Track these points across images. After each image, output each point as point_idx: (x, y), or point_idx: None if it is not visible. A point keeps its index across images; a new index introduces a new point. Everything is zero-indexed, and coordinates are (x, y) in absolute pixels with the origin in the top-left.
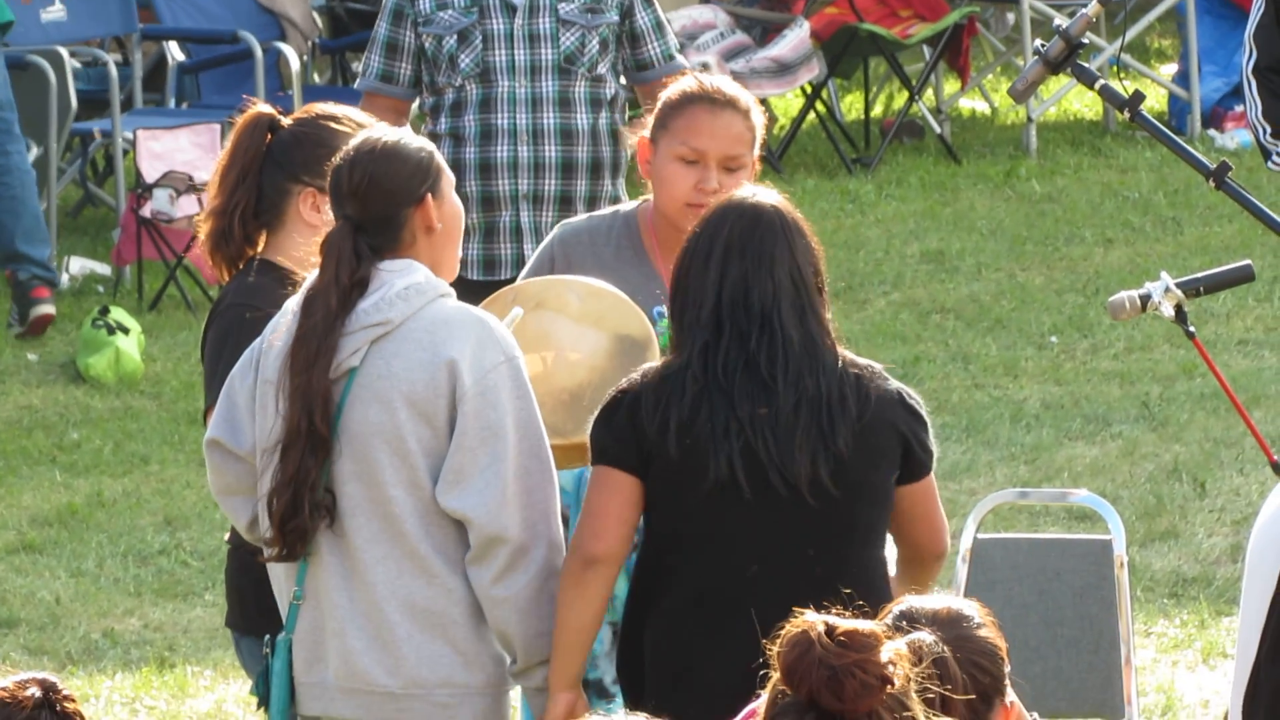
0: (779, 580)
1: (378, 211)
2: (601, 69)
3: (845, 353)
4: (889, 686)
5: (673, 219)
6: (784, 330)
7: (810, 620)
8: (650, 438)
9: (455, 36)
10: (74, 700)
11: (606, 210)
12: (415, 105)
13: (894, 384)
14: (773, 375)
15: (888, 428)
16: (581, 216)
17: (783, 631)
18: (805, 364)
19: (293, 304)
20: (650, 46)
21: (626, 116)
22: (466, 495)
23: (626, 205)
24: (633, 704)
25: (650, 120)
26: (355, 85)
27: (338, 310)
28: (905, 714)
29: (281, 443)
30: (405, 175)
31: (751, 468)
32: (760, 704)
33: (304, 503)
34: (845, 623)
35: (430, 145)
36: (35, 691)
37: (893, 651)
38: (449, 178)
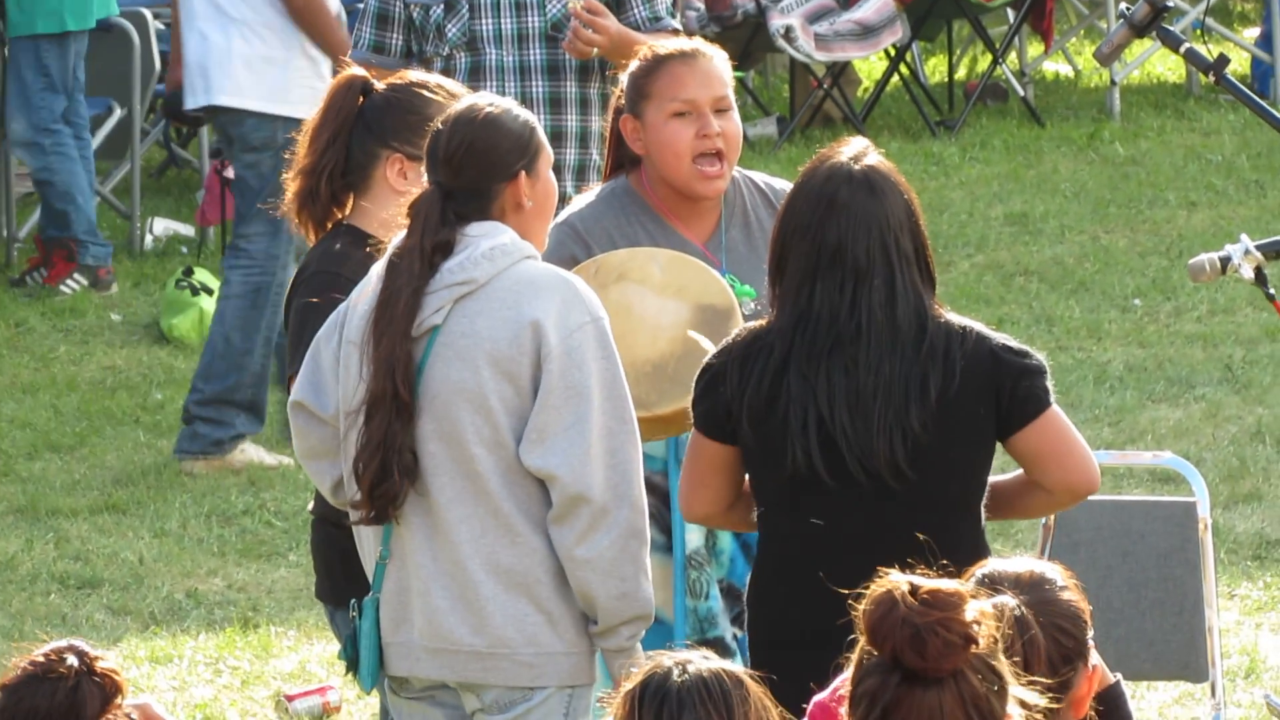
0: (860, 557)
1: (469, 182)
2: (566, 33)
3: (944, 317)
4: (973, 645)
5: (684, 182)
6: (871, 310)
7: (894, 580)
8: (733, 413)
9: (442, 6)
10: (104, 658)
11: (591, 195)
12: None
13: (993, 341)
14: (854, 359)
15: (975, 394)
16: (574, 207)
17: (867, 591)
18: (887, 346)
19: (378, 268)
20: (635, 10)
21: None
22: (550, 454)
23: (607, 185)
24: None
25: (624, 99)
26: (347, 56)
27: (420, 273)
28: (991, 674)
29: (365, 406)
30: (502, 150)
31: (830, 458)
32: (847, 670)
33: (393, 467)
34: (929, 582)
35: (533, 119)
36: (73, 660)
37: (977, 611)
38: (547, 155)
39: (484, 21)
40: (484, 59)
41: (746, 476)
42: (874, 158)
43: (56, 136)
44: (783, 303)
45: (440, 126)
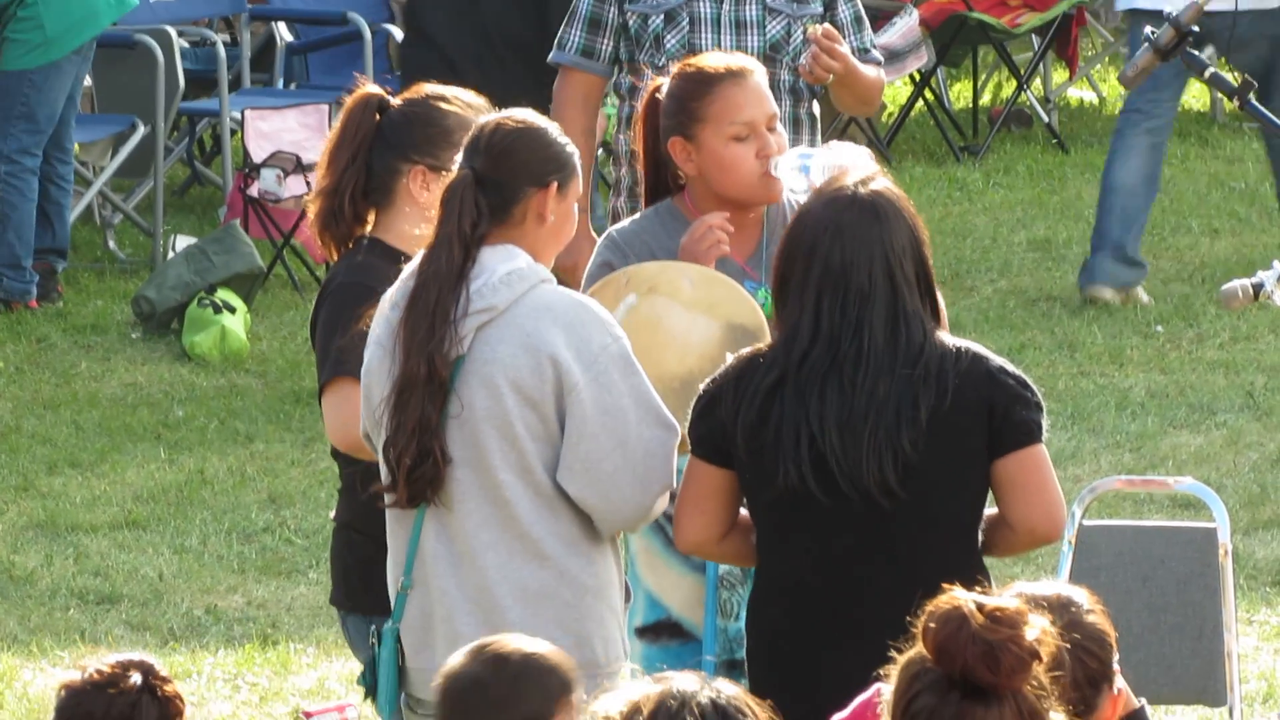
0: (852, 576)
1: (502, 176)
2: (804, 59)
3: (942, 339)
4: (1037, 661)
5: (750, 195)
6: (872, 334)
7: (959, 597)
8: (727, 434)
9: (662, 16)
10: (172, 682)
11: (637, 217)
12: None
13: (991, 362)
14: (852, 381)
15: (969, 413)
16: (622, 223)
17: (928, 608)
18: (885, 366)
19: (410, 268)
20: (849, 40)
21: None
22: (593, 484)
23: (652, 207)
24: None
25: (667, 122)
26: (550, 59)
27: (461, 259)
28: (1043, 689)
29: (398, 389)
30: (542, 155)
31: (822, 475)
32: (884, 690)
33: (432, 449)
34: (992, 600)
35: (575, 149)
36: (136, 678)
37: (1039, 629)
38: (579, 183)
39: (704, 35)
40: None
41: (743, 508)
42: (881, 183)
43: (13, 167)
44: (785, 323)
45: (487, 121)
